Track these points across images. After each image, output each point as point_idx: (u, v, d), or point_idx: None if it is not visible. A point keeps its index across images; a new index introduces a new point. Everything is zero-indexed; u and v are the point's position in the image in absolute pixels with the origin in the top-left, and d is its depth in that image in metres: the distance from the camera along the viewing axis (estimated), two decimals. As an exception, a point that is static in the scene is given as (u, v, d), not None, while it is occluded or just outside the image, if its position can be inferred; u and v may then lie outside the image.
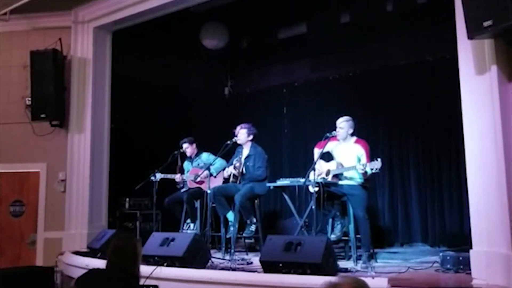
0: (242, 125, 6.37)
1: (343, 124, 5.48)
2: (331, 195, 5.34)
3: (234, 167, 6.28)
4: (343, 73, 8.20)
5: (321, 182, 5.14)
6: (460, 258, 4.53)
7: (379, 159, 4.88)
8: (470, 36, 3.93)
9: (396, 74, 7.57)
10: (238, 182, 6.29)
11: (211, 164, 6.37)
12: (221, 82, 9.83)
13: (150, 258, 5.01)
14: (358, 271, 4.75)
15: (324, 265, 4.20)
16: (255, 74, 9.53)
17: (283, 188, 6.04)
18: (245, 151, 6.35)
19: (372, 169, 4.95)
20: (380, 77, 7.74)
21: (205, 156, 6.88)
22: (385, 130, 7.65)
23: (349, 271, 4.66)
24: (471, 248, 4.12)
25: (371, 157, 5.17)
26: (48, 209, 7.26)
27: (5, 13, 7.13)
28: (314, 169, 5.20)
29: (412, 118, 7.36)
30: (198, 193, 6.59)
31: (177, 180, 6.84)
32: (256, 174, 6.17)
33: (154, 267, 4.75)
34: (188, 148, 6.90)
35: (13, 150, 7.31)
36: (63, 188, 7.25)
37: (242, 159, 6.30)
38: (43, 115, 7.13)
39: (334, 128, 5.49)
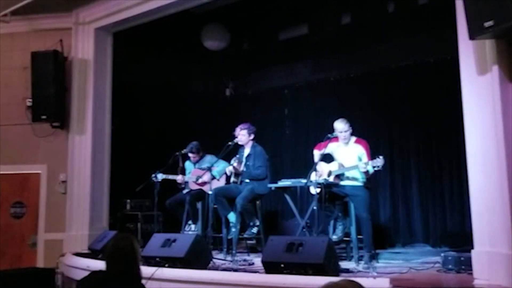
0: (241, 125, 6.35)
1: (346, 126, 5.41)
2: (333, 196, 5.34)
3: (234, 167, 6.27)
4: (344, 74, 8.21)
5: (323, 183, 5.14)
6: (462, 259, 4.52)
7: (381, 157, 4.90)
8: (471, 37, 3.94)
9: (397, 75, 7.59)
10: (239, 182, 6.29)
11: (212, 165, 6.35)
12: (222, 84, 9.83)
13: (151, 259, 5.01)
14: (359, 271, 4.75)
15: (326, 265, 4.20)
16: (256, 75, 9.53)
17: (285, 189, 6.04)
18: (247, 150, 6.35)
19: (374, 167, 4.96)
20: (381, 78, 7.75)
21: (209, 159, 6.82)
22: (386, 131, 7.65)
23: (351, 272, 4.66)
24: (473, 248, 4.12)
25: (372, 157, 5.17)
26: (49, 210, 7.26)
27: (6, 15, 7.13)
28: (315, 170, 5.20)
29: (413, 118, 7.37)
30: (200, 195, 6.59)
31: (178, 181, 6.83)
32: (255, 173, 6.14)
33: (155, 268, 4.75)
34: (195, 158, 6.85)
35: (13, 151, 7.31)
36: (64, 189, 7.24)
37: (243, 159, 6.30)
38: (43, 117, 7.13)
39: (334, 130, 5.46)
